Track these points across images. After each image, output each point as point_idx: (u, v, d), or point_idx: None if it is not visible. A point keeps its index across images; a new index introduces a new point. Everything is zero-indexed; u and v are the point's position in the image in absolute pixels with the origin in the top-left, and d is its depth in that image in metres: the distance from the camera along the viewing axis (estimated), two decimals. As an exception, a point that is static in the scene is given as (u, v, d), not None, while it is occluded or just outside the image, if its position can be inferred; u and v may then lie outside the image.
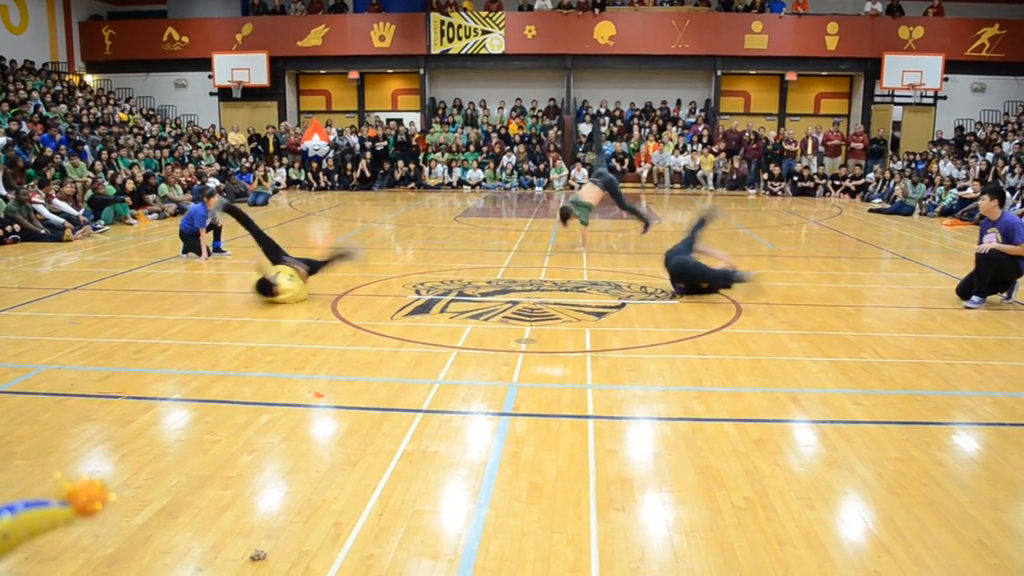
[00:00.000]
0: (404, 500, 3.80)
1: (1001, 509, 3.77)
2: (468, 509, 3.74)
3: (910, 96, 23.37)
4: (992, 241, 7.92)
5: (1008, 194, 15.43)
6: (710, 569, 3.24)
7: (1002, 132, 21.16)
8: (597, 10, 23.59)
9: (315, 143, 22.76)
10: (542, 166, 23.17)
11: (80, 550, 3.30)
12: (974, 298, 8.07)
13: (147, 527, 3.52)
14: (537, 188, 22.85)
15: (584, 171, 21.44)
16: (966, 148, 21.14)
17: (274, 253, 8.46)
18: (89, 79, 24.45)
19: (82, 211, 13.75)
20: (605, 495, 3.86)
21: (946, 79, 22.95)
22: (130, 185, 15.62)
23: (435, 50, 23.97)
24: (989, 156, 19.42)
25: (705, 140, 23.43)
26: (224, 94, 24.91)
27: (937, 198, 17.56)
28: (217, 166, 20.50)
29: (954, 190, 17.16)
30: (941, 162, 19.89)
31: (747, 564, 3.27)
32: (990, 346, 6.66)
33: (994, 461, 4.34)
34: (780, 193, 21.91)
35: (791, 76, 24.21)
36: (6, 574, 3.11)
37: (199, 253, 10.66)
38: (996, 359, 6.27)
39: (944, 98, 23.51)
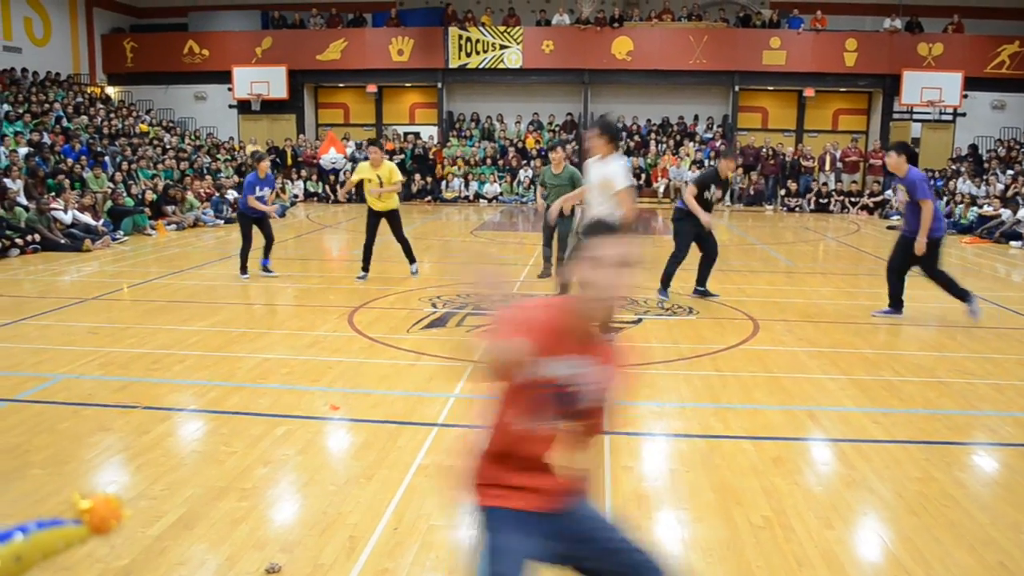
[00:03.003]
0: (419, 514, 3.78)
1: (1023, 531, 3.71)
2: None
3: (929, 113, 23.24)
4: (900, 197, 7.86)
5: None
6: (727, 589, 3.20)
7: (1022, 150, 21.00)
8: (615, 25, 23.64)
9: (331, 156, 22.86)
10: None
11: (95, 560, 3.30)
12: (885, 308, 8.27)
13: (162, 538, 3.52)
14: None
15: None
16: (985, 166, 20.99)
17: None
18: (110, 91, 24.71)
19: (101, 221, 13.87)
20: (621, 512, 3.82)
21: (965, 96, 22.81)
22: (149, 196, 15.75)
23: (453, 64, 24.08)
24: (1009, 173, 19.27)
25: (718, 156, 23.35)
26: (243, 107, 25.12)
27: (957, 215, 17.43)
28: (236, 178, 20.63)
29: (974, 208, 17.03)
30: (960, 179, 19.75)
31: (765, 584, 3.23)
32: (1010, 365, 6.58)
33: (1016, 482, 4.28)
34: (797, 209, 21.83)
35: (809, 92, 24.13)
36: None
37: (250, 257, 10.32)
38: (1017, 379, 6.19)
39: (963, 115, 23.36)
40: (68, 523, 1.92)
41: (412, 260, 10.30)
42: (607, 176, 6.92)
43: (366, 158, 10.28)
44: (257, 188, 9.92)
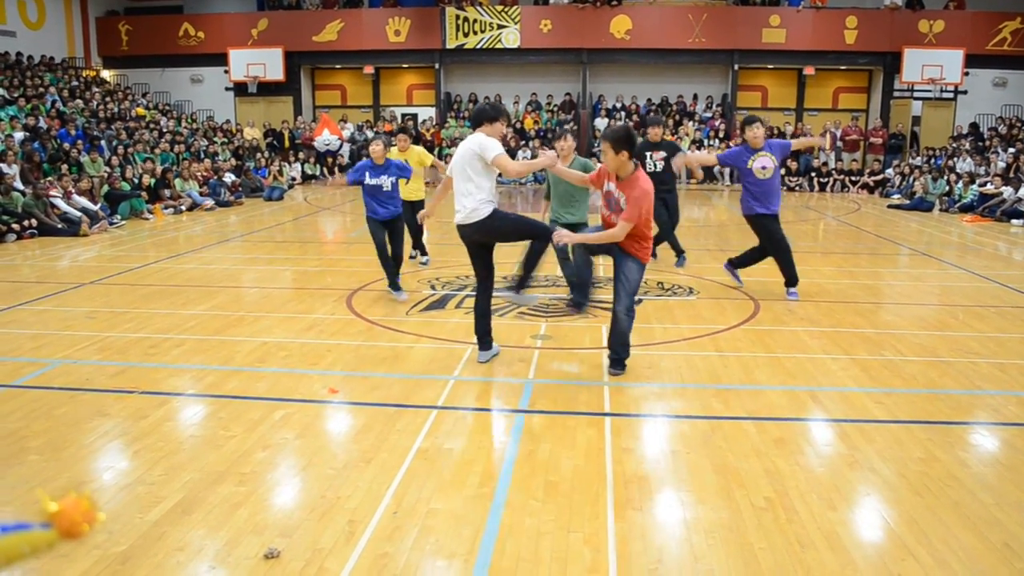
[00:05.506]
0: (419, 498, 3.75)
1: (1028, 511, 3.69)
2: (484, 508, 3.69)
3: (930, 91, 23.11)
4: (768, 165, 7.75)
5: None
6: (730, 571, 3.18)
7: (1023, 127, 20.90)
8: (613, 4, 23.46)
9: (325, 138, 22.76)
10: (558, 161, 23.02)
11: (93, 547, 3.28)
12: (792, 291, 8.16)
13: (160, 524, 3.50)
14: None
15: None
16: (986, 144, 20.89)
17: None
18: (106, 74, 24.56)
19: (99, 206, 13.79)
20: (623, 494, 3.80)
21: (967, 73, 22.67)
22: (146, 180, 15.68)
23: (450, 44, 23.92)
24: (1011, 151, 19.17)
25: (722, 135, 23.27)
26: (240, 89, 24.97)
27: (957, 194, 17.36)
28: (233, 161, 20.53)
29: (974, 186, 16.96)
30: (961, 158, 19.66)
31: (768, 566, 3.21)
32: (1013, 344, 6.55)
33: (1019, 462, 4.25)
34: (798, 188, 21.75)
35: (809, 70, 23.98)
36: (17, 573, 3.09)
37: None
38: (1020, 357, 6.16)
39: (964, 93, 23.22)
40: (35, 527, 1.79)
41: (424, 252, 9.96)
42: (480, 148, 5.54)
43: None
44: (368, 175, 7.94)
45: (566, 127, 8.98)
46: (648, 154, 9.46)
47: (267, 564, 3.20)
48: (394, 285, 7.94)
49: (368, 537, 3.41)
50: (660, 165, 9.42)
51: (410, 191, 9.20)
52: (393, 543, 3.36)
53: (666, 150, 9.48)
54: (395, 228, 8.01)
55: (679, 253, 9.85)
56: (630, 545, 3.36)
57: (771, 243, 8.04)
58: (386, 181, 7.90)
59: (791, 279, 8.12)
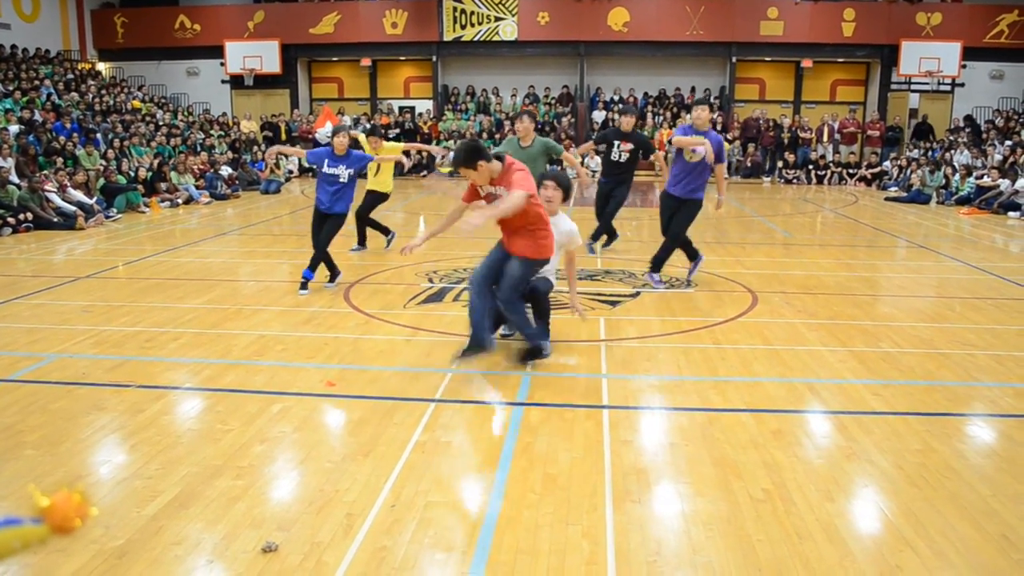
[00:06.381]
0: (417, 491, 3.75)
1: (1025, 503, 3.69)
2: (482, 500, 3.69)
3: (927, 83, 23.08)
4: (700, 151, 7.75)
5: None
6: (728, 563, 3.18)
7: (1021, 120, 20.88)
8: (610, -4, 23.39)
9: (325, 130, 22.66)
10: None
11: (90, 541, 3.27)
12: (654, 275, 8.17)
13: (158, 518, 3.49)
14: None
15: (598, 159, 21.28)
16: (984, 136, 20.88)
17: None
18: (101, 67, 24.46)
19: (95, 199, 13.76)
20: (621, 486, 3.80)
21: (964, 66, 22.64)
22: (142, 173, 15.63)
23: (447, 37, 23.85)
24: (1008, 144, 19.17)
25: (719, 127, 23.24)
26: (236, 82, 24.89)
27: (954, 186, 17.36)
28: (230, 154, 20.48)
29: (971, 178, 16.96)
30: (958, 150, 19.66)
31: (766, 557, 3.21)
32: (1010, 336, 6.56)
33: (1017, 453, 4.26)
34: (795, 181, 21.74)
35: (807, 63, 23.95)
36: (14, 567, 3.08)
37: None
38: (1017, 349, 6.16)
39: (962, 85, 23.20)
40: (26, 522, 1.77)
41: (362, 244, 10.27)
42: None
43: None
44: (327, 162, 7.90)
45: (522, 110, 8.88)
46: (616, 142, 9.42)
47: (265, 558, 3.19)
48: (308, 272, 7.89)
49: (366, 530, 3.40)
50: (625, 156, 9.44)
51: (379, 182, 9.78)
52: (391, 536, 3.36)
53: (635, 143, 9.42)
54: (331, 224, 7.88)
55: (609, 236, 10.00)
56: (628, 537, 3.36)
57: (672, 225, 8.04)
58: (344, 172, 7.83)
59: (657, 264, 8.11)
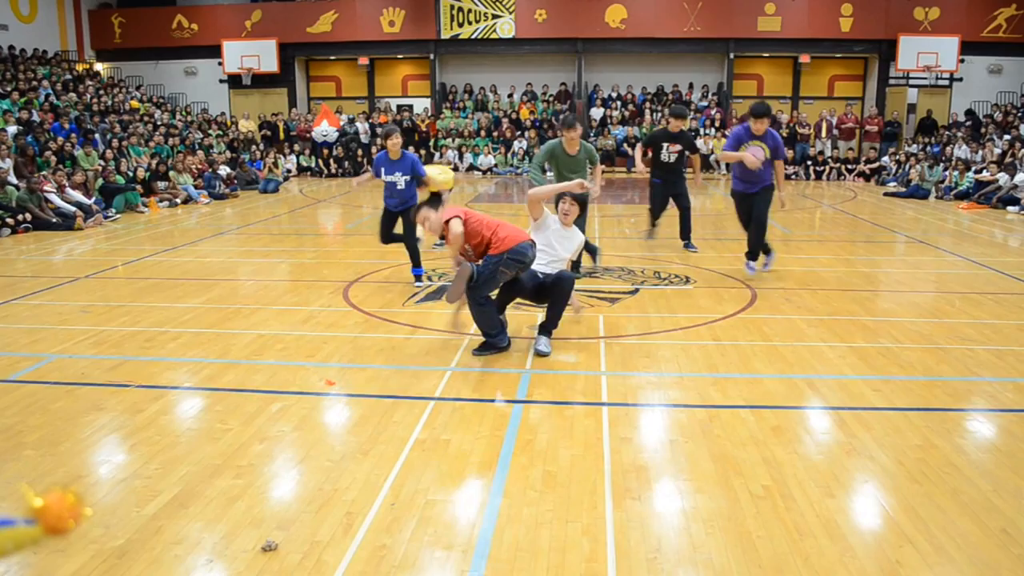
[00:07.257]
0: (417, 489, 3.75)
1: (1025, 497, 3.69)
2: (482, 498, 3.69)
3: (925, 78, 23.07)
4: (759, 153, 7.92)
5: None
6: (728, 559, 3.18)
7: (1019, 114, 20.87)
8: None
9: (323, 129, 22.70)
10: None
11: (90, 541, 3.27)
12: (751, 264, 8.44)
13: (157, 517, 3.49)
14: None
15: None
16: (982, 131, 20.87)
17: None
18: (99, 67, 24.44)
19: (93, 199, 13.75)
20: (621, 484, 3.80)
21: (962, 61, 22.63)
22: (141, 173, 15.62)
23: (445, 35, 23.84)
24: (1006, 138, 19.16)
25: (718, 124, 23.23)
26: (234, 81, 24.88)
27: (953, 181, 17.36)
28: (228, 154, 20.47)
29: (970, 173, 16.96)
30: (957, 145, 19.65)
31: (766, 554, 3.21)
32: (1010, 331, 6.55)
33: (1017, 448, 4.26)
34: (794, 177, 21.73)
35: (805, 59, 23.93)
36: (14, 568, 3.08)
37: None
38: (1016, 344, 6.16)
39: (960, 80, 23.19)
40: (19, 523, 1.76)
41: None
42: None
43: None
44: (384, 171, 7.96)
45: (571, 117, 8.75)
46: (665, 144, 9.62)
47: (265, 557, 3.19)
48: (418, 270, 8.19)
49: (366, 529, 3.40)
50: (674, 157, 9.63)
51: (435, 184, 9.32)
52: (391, 534, 3.36)
53: (683, 143, 9.61)
54: (406, 219, 7.95)
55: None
56: (628, 534, 3.36)
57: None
58: (400, 179, 7.93)
59: (754, 253, 8.44)
